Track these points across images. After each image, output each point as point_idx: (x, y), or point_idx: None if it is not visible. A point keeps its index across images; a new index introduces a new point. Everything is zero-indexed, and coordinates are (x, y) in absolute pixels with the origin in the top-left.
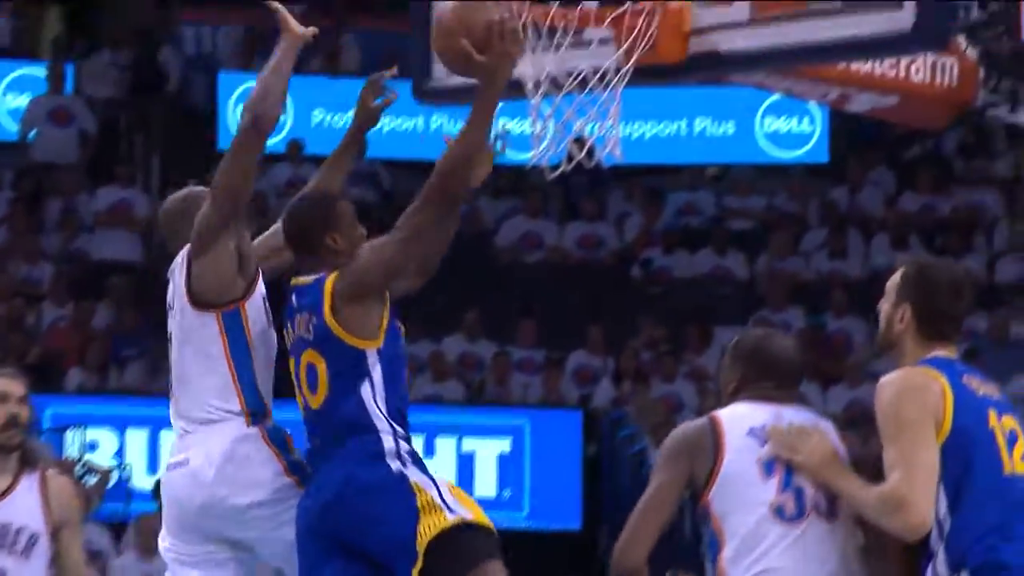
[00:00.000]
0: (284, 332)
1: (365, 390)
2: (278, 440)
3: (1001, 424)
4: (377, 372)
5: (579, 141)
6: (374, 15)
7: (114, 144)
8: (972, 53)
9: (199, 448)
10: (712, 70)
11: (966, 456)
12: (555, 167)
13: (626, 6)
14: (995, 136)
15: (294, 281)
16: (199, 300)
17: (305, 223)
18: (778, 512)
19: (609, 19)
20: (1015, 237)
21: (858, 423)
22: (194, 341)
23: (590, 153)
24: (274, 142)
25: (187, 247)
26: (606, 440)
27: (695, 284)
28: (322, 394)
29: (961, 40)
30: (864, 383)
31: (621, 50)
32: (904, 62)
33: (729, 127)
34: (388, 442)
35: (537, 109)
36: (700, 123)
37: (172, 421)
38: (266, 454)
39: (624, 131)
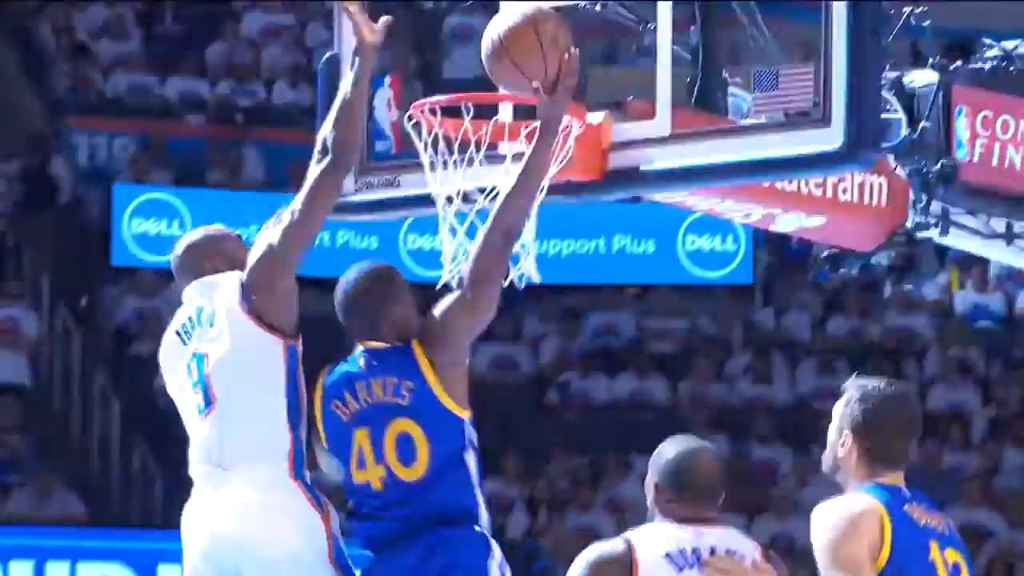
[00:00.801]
0: (334, 403)
1: (469, 462)
2: (319, 502)
3: (944, 557)
4: (474, 443)
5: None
6: (278, 126)
7: (1, 259)
8: (902, 173)
9: (233, 489)
10: (632, 187)
11: None
12: None
13: None
14: (925, 259)
15: (364, 344)
16: (267, 324)
17: (370, 301)
18: None
19: (525, 133)
20: (946, 363)
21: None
22: (252, 364)
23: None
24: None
25: (225, 274)
26: (519, 572)
27: (614, 409)
28: (421, 466)
29: (891, 159)
30: (791, 514)
31: None
32: (832, 181)
33: (650, 245)
34: (486, 528)
35: (449, 226)
36: (620, 241)
37: (196, 460)
38: (309, 526)
39: (540, 249)
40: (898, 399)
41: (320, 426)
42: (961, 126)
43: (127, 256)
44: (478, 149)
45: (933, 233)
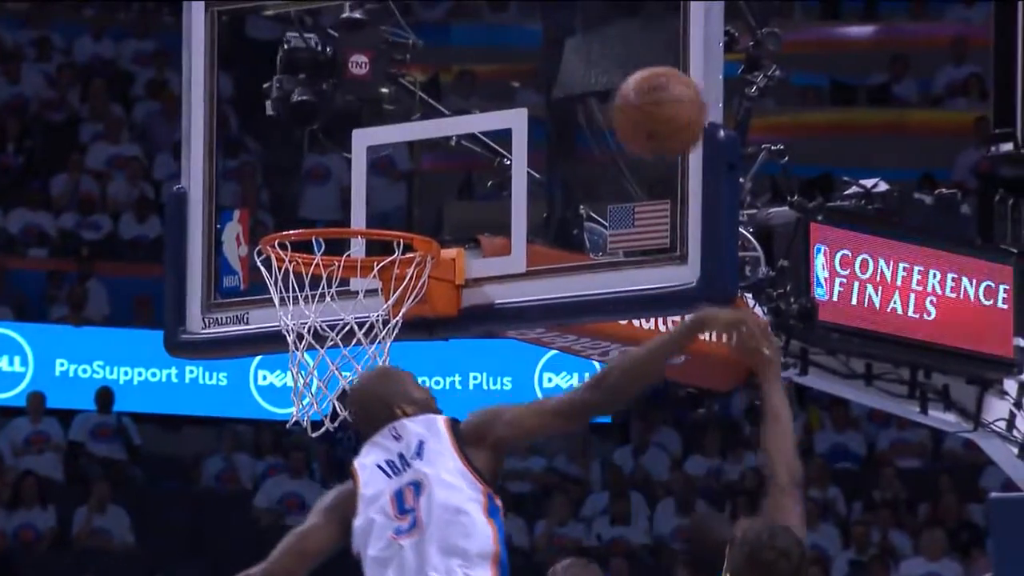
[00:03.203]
0: None
1: None
2: None
3: None
4: None
5: (344, 397)
6: (123, 260)
7: None
8: (760, 311)
9: None
10: (486, 324)
11: None
12: (318, 424)
13: (395, 255)
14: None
15: None
16: (475, 470)
17: None
18: None
19: (377, 268)
20: (807, 504)
21: None
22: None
23: None
24: (12, 395)
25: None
26: None
27: None
28: None
29: (748, 298)
30: None
31: (390, 302)
32: None
33: (507, 383)
34: None
35: (299, 363)
36: (475, 378)
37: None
38: None
39: None
40: (765, 540)
41: None
42: (820, 265)
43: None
44: (329, 285)
45: (792, 373)
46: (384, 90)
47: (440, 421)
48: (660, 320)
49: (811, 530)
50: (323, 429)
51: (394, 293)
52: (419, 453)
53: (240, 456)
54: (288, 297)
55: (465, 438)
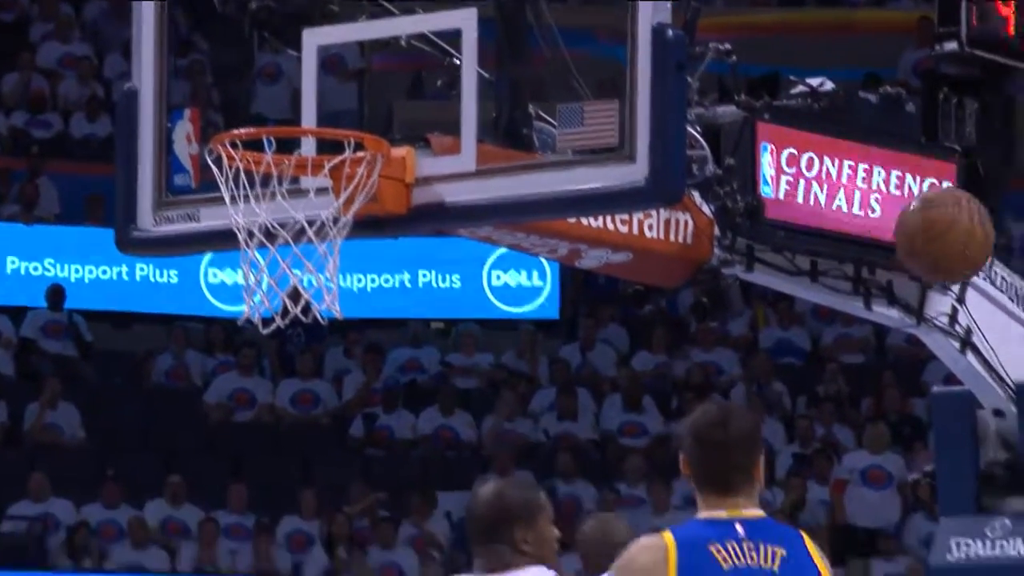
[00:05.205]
0: None
1: None
2: None
3: None
4: None
5: (295, 294)
6: (74, 159)
7: None
8: (707, 209)
9: None
10: (436, 222)
11: None
12: (268, 321)
13: (345, 154)
14: (731, 295)
15: None
16: None
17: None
18: None
19: (327, 167)
20: (752, 399)
21: None
22: None
23: (307, 307)
24: None
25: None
26: None
27: (418, 445)
28: None
29: (696, 196)
30: None
31: (340, 200)
32: (638, 218)
33: (455, 280)
34: None
35: (250, 261)
36: (424, 276)
37: None
38: None
39: (343, 283)
40: (717, 420)
41: None
42: (766, 163)
43: None
44: (280, 183)
45: (738, 270)
46: None
47: None
48: (608, 218)
49: None
50: (273, 326)
51: (344, 191)
52: None
53: (190, 353)
54: (239, 195)
55: None
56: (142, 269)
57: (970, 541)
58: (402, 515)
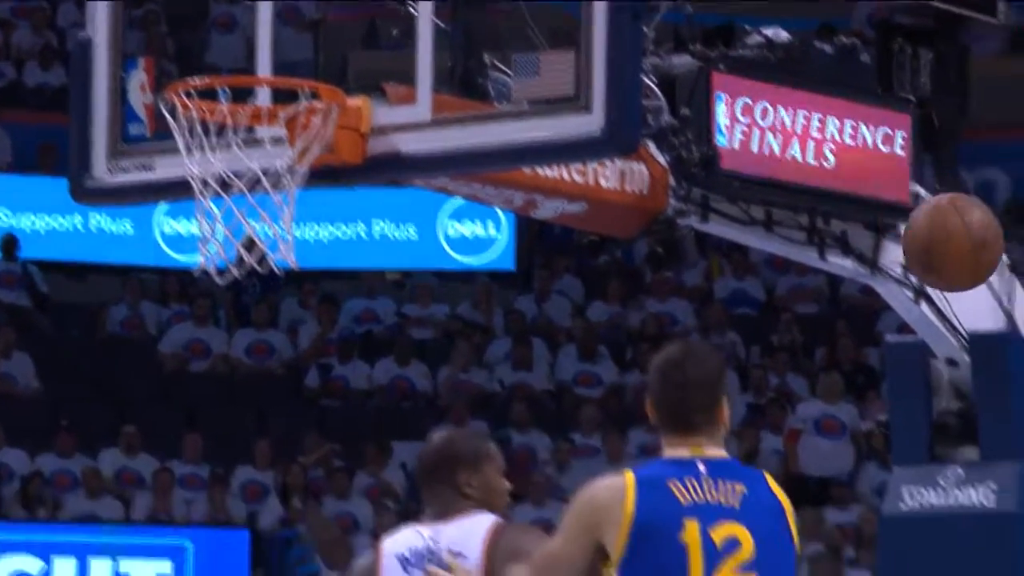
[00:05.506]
0: None
1: None
2: None
3: (712, 533)
4: None
5: (250, 244)
6: (28, 108)
7: None
8: (662, 160)
9: None
10: (391, 172)
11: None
12: (224, 271)
13: (300, 104)
14: (686, 246)
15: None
16: None
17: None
18: None
19: (283, 117)
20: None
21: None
22: None
23: (262, 257)
24: None
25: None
26: (275, 561)
27: (373, 396)
28: None
29: (651, 146)
30: (550, 501)
31: (295, 150)
32: (593, 168)
33: (410, 231)
34: None
35: (205, 211)
36: (379, 226)
37: None
38: None
39: (298, 234)
40: (678, 360)
41: None
42: (721, 113)
43: None
44: (235, 133)
45: (693, 220)
46: None
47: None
48: (564, 168)
49: None
50: (229, 277)
51: (300, 141)
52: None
53: (145, 303)
54: (194, 145)
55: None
56: (96, 219)
57: (923, 490)
58: (357, 465)
